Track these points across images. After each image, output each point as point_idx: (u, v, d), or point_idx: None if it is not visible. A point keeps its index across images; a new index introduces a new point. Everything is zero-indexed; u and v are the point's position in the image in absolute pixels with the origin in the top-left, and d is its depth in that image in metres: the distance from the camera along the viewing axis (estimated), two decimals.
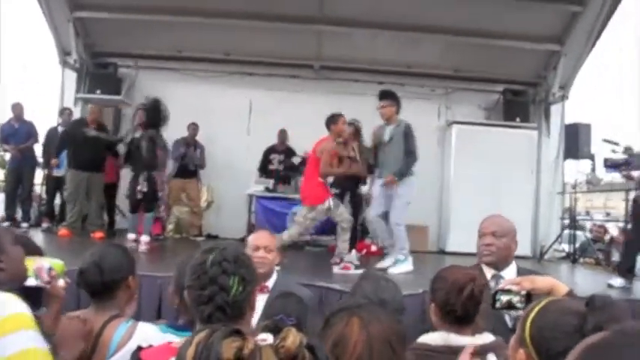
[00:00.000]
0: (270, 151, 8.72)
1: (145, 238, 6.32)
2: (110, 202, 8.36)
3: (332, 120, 6.08)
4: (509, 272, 2.82)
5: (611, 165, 6.00)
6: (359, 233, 7.54)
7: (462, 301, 2.00)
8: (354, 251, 6.19)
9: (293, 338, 0.94)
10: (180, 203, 8.46)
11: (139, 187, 6.32)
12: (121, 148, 7.84)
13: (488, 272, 2.84)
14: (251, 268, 1.67)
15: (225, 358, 0.92)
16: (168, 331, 1.98)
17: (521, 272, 2.79)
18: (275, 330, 0.98)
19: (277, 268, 3.32)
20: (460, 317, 2.01)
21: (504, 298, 2.01)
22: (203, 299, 1.57)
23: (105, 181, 7.84)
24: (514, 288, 2.01)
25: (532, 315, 1.41)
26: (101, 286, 2.16)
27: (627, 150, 5.81)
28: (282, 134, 8.73)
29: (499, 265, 2.85)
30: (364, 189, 7.71)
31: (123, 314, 2.17)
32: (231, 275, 1.59)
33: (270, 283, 3.13)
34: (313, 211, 5.97)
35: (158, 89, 8.79)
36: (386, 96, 6.25)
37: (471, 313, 2.01)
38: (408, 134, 6.11)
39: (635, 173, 5.72)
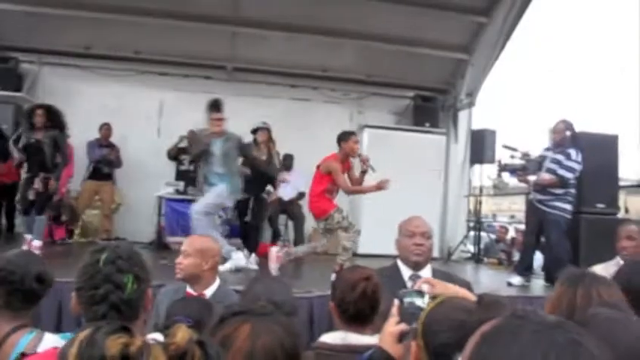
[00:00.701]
0: (181, 151, 8.46)
1: (36, 243, 5.92)
2: (9, 205, 7.90)
3: (343, 137, 5.67)
4: (426, 272, 2.90)
5: (509, 170, 6.29)
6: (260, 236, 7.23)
7: (354, 300, 2.03)
8: (253, 255, 6.19)
9: (182, 334, 0.91)
10: (93, 206, 8.16)
11: (35, 186, 5.99)
12: (14, 151, 7.28)
13: (406, 272, 2.91)
14: (145, 267, 1.64)
15: (109, 355, 0.85)
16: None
17: (435, 273, 2.89)
18: (166, 330, 0.96)
19: None
20: (353, 316, 2.05)
21: (411, 299, 2.05)
22: (97, 299, 1.53)
23: (4, 181, 7.44)
24: (426, 289, 2.07)
25: (427, 310, 1.48)
26: (30, 295, 2.04)
27: (525, 156, 6.11)
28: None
29: (420, 265, 2.93)
30: (278, 192, 7.74)
31: (30, 323, 2.06)
32: (126, 273, 1.55)
33: (208, 291, 3.01)
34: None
35: (64, 87, 8.47)
36: (223, 107, 6.04)
37: (365, 312, 2.04)
38: (243, 145, 6.15)
39: (531, 178, 6.03)
